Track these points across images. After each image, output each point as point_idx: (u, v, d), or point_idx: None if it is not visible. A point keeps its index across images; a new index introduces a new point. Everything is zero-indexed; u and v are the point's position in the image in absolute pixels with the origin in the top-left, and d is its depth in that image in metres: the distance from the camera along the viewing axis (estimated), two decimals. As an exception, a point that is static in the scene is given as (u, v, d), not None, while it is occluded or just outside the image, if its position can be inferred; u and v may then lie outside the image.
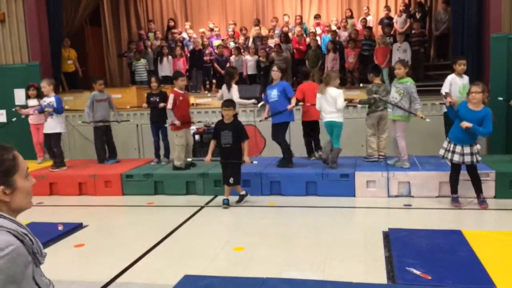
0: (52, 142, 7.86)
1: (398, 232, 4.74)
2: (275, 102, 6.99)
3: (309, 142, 7.52)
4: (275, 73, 7.10)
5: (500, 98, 7.15)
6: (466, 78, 6.78)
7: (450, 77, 6.80)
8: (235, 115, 6.33)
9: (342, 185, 6.53)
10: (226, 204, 6.26)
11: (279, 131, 7.06)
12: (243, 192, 6.42)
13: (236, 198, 6.40)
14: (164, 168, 7.50)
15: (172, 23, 13.11)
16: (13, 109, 8.60)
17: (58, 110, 7.71)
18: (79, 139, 9.81)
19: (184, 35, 12.95)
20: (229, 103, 6.26)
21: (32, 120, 8.44)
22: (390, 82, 9.86)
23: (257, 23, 12.88)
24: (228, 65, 11.25)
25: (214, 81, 11.81)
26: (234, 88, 7.36)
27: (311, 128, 7.43)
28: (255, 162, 6.42)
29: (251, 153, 7.67)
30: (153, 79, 8.08)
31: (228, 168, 6.24)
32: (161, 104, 7.58)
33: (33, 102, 8.48)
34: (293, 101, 7.00)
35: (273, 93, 7.02)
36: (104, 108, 8.10)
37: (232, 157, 6.20)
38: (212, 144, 6.29)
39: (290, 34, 12.00)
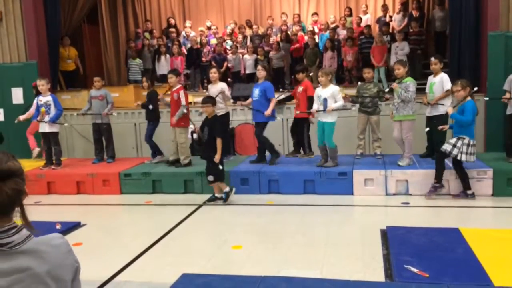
0: (52, 141, 7.87)
1: (396, 230, 4.75)
2: (255, 102, 7.21)
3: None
4: (260, 72, 7.23)
5: (486, 98, 7.23)
6: (439, 77, 6.76)
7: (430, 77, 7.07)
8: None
9: (340, 184, 6.54)
10: (225, 199, 6.28)
11: (260, 130, 7.23)
12: (225, 190, 6.29)
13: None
14: (162, 167, 7.49)
15: (172, 21, 13.08)
16: (15, 121, 8.48)
17: (57, 116, 7.78)
18: (77, 138, 9.79)
19: (182, 33, 12.92)
20: (206, 100, 6.30)
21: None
22: (388, 81, 9.91)
23: (250, 24, 12.86)
24: (225, 63, 11.25)
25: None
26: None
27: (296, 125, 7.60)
28: (220, 167, 6.19)
29: (249, 151, 7.69)
30: (143, 79, 8.25)
31: (207, 165, 6.28)
32: (136, 104, 8.02)
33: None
34: (272, 104, 7.09)
35: (256, 92, 7.19)
36: (97, 105, 8.06)
37: (208, 154, 6.20)
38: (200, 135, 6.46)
39: (288, 33, 11.98)
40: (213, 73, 7.54)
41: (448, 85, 6.63)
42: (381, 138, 7.29)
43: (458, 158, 5.83)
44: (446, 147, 5.91)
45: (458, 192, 6.10)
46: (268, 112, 7.06)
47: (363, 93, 7.25)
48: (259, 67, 7.33)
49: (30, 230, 1.40)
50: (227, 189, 6.32)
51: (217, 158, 6.08)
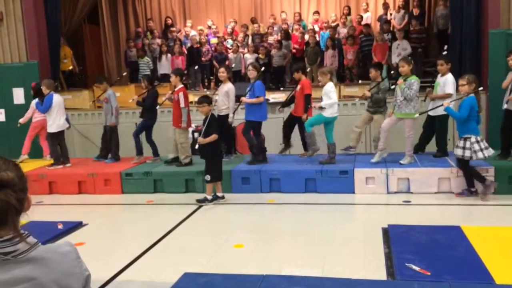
0: (48, 140, 7.98)
1: (397, 228, 4.75)
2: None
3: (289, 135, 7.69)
4: (250, 72, 7.28)
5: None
6: (444, 78, 6.66)
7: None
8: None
9: (341, 182, 6.54)
10: (211, 200, 6.30)
11: (247, 128, 7.25)
12: (218, 194, 6.35)
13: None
14: (163, 167, 7.49)
15: (169, 21, 13.08)
16: (18, 125, 8.60)
17: (40, 109, 7.86)
18: (78, 137, 9.80)
19: (182, 32, 12.93)
20: (201, 99, 6.30)
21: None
22: (389, 79, 9.89)
23: (255, 21, 12.85)
24: (227, 62, 11.23)
25: (212, 77, 11.79)
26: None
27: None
28: (218, 167, 6.29)
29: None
30: (142, 79, 8.30)
31: (205, 164, 6.29)
32: (130, 100, 8.23)
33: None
34: (254, 100, 7.09)
35: (247, 92, 7.26)
36: (104, 107, 8.11)
37: (205, 153, 6.21)
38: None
39: (289, 31, 11.98)
40: (221, 73, 7.50)
41: (448, 88, 6.59)
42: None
43: (474, 158, 5.77)
44: (459, 152, 5.80)
45: (461, 190, 6.08)
46: (245, 99, 7.13)
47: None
48: (250, 67, 7.38)
49: (21, 241, 1.32)
50: (220, 194, 6.35)
51: (200, 140, 6.11)
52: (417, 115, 6.51)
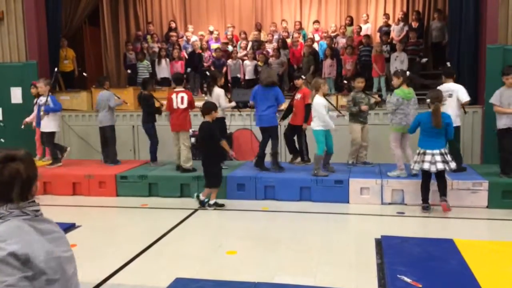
0: (45, 140, 7.99)
1: (390, 240, 4.76)
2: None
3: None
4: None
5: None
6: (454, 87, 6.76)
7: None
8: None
9: (336, 191, 6.55)
10: (210, 205, 6.35)
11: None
12: (213, 201, 6.36)
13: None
14: (159, 170, 7.49)
15: (173, 25, 13.10)
16: (22, 127, 8.60)
17: (54, 109, 7.84)
18: (75, 139, 9.78)
19: (184, 37, 12.94)
20: (211, 106, 6.35)
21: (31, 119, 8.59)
22: (387, 90, 9.96)
23: (259, 28, 12.88)
24: (225, 68, 11.24)
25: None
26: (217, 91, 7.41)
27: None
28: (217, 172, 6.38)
29: (247, 157, 7.71)
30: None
31: (204, 170, 6.35)
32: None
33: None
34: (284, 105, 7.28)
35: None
36: (101, 108, 8.12)
37: (204, 158, 6.26)
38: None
39: (288, 40, 12.01)
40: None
41: (466, 97, 6.69)
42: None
43: (447, 170, 5.81)
44: (445, 166, 5.73)
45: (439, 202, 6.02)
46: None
47: (359, 102, 7.27)
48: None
49: None
50: (212, 201, 6.35)
51: (228, 149, 6.36)
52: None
